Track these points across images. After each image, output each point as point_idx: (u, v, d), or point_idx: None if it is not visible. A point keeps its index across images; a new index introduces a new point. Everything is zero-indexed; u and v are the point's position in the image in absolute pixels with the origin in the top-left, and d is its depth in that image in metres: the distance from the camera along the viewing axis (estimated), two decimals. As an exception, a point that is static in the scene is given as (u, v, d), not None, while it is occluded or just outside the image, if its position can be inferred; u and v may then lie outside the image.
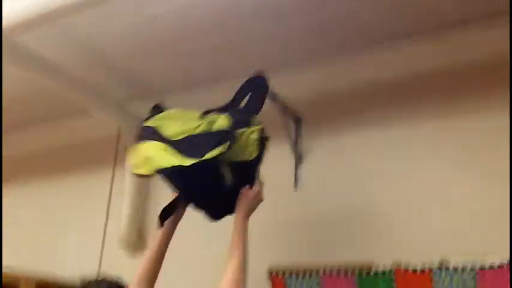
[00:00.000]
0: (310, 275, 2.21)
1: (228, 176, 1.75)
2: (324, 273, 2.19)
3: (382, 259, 2.14)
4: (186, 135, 1.78)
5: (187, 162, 1.67)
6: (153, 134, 1.82)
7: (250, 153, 1.79)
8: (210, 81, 2.96)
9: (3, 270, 1.62)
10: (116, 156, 3.19)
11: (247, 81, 2.02)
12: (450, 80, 2.34)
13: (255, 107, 1.89)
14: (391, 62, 2.50)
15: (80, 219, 3.16)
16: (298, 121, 2.62)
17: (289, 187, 2.45)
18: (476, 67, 2.29)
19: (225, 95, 2.87)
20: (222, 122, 1.79)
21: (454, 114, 2.29)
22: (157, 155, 1.74)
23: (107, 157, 3.21)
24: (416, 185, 2.26)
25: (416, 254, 2.11)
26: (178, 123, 1.85)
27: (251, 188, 1.84)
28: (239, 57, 2.72)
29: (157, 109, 2.01)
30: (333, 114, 2.58)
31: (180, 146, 1.75)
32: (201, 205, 1.90)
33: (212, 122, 1.80)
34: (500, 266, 1.90)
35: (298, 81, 2.71)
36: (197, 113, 1.88)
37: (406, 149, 2.33)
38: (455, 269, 1.97)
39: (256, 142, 1.80)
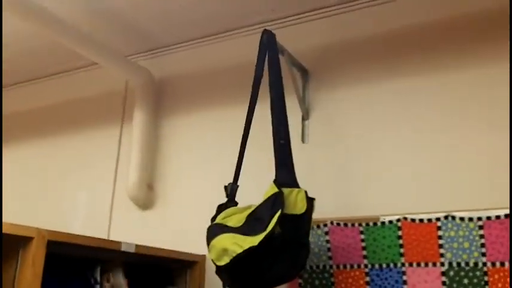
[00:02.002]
0: (318, 226, 2.24)
1: (277, 229, 1.82)
2: (332, 223, 2.23)
3: (389, 213, 2.16)
4: (247, 218, 1.94)
5: (256, 240, 1.80)
6: (221, 229, 1.95)
7: (300, 209, 1.91)
8: (215, 34, 2.94)
9: (15, 224, 1.65)
10: (123, 111, 3.19)
11: (260, 47, 2.21)
12: (455, 31, 2.31)
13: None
14: (397, 12, 2.46)
15: (88, 175, 3.17)
16: (305, 74, 2.62)
17: (296, 140, 2.47)
18: (479, 17, 2.26)
19: (226, 47, 2.89)
20: (270, 190, 1.93)
21: (464, 64, 2.27)
22: (230, 244, 1.85)
23: (115, 111, 3.22)
24: (423, 137, 2.25)
25: (423, 208, 2.12)
26: (238, 214, 2.00)
27: None
28: (244, 9, 2.70)
29: (220, 209, 2.11)
30: (341, 67, 2.55)
31: (245, 229, 1.90)
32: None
33: (264, 195, 1.95)
34: (507, 216, 1.92)
35: (305, 33, 2.68)
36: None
37: (413, 102, 2.32)
38: (462, 219, 1.99)
39: (304, 199, 1.93)
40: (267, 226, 1.82)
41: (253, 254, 1.81)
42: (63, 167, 3.31)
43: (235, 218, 1.99)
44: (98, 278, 2.08)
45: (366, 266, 2.15)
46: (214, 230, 1.98)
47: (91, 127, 3.29)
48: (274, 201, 1.87)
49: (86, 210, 3.11)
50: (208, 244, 1.97)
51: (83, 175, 3.20)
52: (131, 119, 2.99)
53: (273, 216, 1.83)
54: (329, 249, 2.22)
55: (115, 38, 3.02)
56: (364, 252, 2.16)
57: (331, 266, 2.21)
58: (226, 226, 1.96)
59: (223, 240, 1.89)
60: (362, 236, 2.18)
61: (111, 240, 2.13)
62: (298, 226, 1.92)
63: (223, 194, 2.14)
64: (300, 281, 2.26)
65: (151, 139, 2.96)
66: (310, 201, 1.97)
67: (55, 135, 3.43)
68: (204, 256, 2.48)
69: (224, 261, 1.87)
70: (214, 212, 2.09)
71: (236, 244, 1.84)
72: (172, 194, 2.86)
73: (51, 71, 3.52)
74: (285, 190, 1.91)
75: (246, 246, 1.82)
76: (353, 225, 2.20)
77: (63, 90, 3.50)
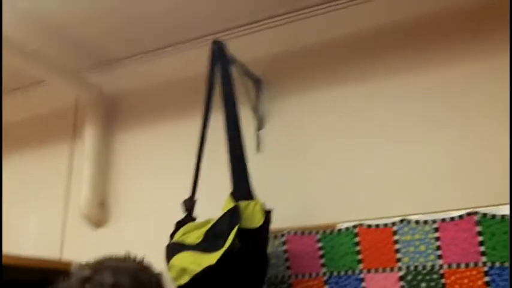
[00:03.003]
0: (275, 236, 2.22)
1: (236, 243, 1.80)
2: (289, 232, 2.21)
3: (345, 220, 2.16)
4: (205, 233, 1.93)
5: (214, 259, 1.78)
6: (180, 247, 1.93)
7: (258, 221, 1.91)
8: (165, 46, 2.91)
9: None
10: (74, 128, 3.12)
11: (211, 58, 2.21)
12: (418, 32, 2.34)
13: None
14: (350, 16, 2.48)
15: (39, 195, 3.09)
16: (258, 83, 2.61)
17: (252, 150, 2.45)
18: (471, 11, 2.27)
19: (178, 59, 2.86)
20: (227, 204, 1.93)
21: (415, 67, 2.29)
22: (189, 263, 1.84)
23: (65, 129, 3.14)
24: (376, 142, 2.26)
25: (379, 213, 2.12)
26: (197, 230, 1.98)
27: None
28: (194, 20, 2.68)
29: (178, 225, 2.08)
30: (294, 75, 2.55)
31: (204, 246, 1.89)
32: None
33: (222, 210, 1.94)
34: (461, 217, 1.93)
35: (256, 42, 2.67)
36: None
37: (368, 108, 2.33)
38: (417, 222, 2.00)
39: (261, 212, 1.93)
40: (225, 242, 1.80)
41: (213, 271, 1.78)
42: (13, 188, 3.20)
43: (194, 235, 1.96)
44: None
45: (324, 274, 2.13)
46: (173, 249, 1.95)
47: (41, 146, 3.21)
48: (232, 216, 1.86)
49: (38, 232, 3.02)
50: (167, 263, 1.93)
51: (34, 195, 3.11)
52: (83, 135, 2.93)
53: (231, 232, 1.81)
54: (287, 259, 2.20)
55: (63, 53, 2.95)
56: (322, 261, 2.14)
57: (289, 276, 2.19)
58: (185, 244, 1.94)
59: (182, 259, 1.86)
60: (319, 244, 2.16)
61: (61, 262, 2.06)
62: (257, 239, 1.92)
63: (179, 208, 2.10)
64: (260, 293, 2.23)
65: (103, 155, 2.89)
66: (267, 213, 1.96)
67: (4, 155, 3.32)
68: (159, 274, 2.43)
69: (184, 280, 1.84)
70: (170, 228, 2.06)
71: (195, 263, 1.82)
72: (127, 211, 2.80)
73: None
74: (242, 203, 1.90)
75: (206, 264, 1.79)
76: (310, 233, 2.19)
77: (11, 109, 3.39)
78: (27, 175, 3.18)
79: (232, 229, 1.81)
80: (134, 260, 1.58)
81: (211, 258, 1.80)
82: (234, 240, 1.79)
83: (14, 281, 1.92)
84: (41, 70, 2.72)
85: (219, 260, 1.77)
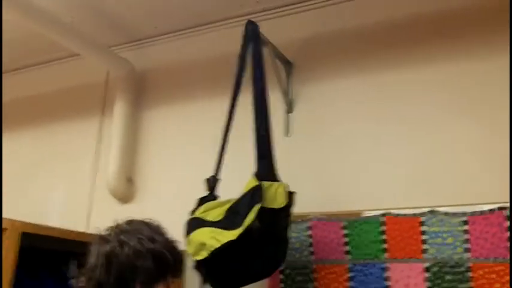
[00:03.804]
0: (300, 220, 2.21)
1: (256, 223, 1.79)
2: (314, 218, 2.19)
3: (372, 208, 2.14)
4: (226, 211, 1.91)
5: (235, 234, 1.77)
6: (199, 223, 1.92)
7: (280, 202, 1.88)
8: (198, 25, 2.89)
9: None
10: (104, 102, 3.14)
11: (244, 38, 2.16)
12: (447, 22, 2.29)
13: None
14: (383, 3, 2.44)
15: (68, 167, 3.11)
16: (289, 67, 2.59)
17: (280, 133, 2.44)
18: (474, 8, 2.24)
19: (209, 39, 2.85)
20: (250, 183, 1.90)
21: (447, 57, 2.25)
22: (208, 239, 1.83)
23: (95, 103, 3.16)
24: (408, 132, 2.23)
25: (407, 203, 2.09)
26: (218, 208, 1.97)
27: None
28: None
29: (200, 202, 2.07)
30: (325, 59, 2.52)
31: (224, 223, 1.87)
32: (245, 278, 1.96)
33: (244, 189, 1.92)
34: (491, 211, 1.90)
35: (289, 26, 2.65)
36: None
37: (400, 94, 2.29)
38: (446, 214, 1.97)
39: (284, 193, 1.90)
40: (245, 220, 1.79)
41: (231, 248, 1.78)
42: (42, 159, 3.24)
43: (215, 212, 1.95)
44: (74, 272, 2.03)
45: (348, 261, 2.12)
46: (193, 224, 1.95)
47: (71, 118, 3.23)
48: (253, 195, 1.84)
49: (65, 203, 3.05)
50: (186, 238, 1.93)
51: (62, 167, 3.14)
52: (112, 110, 2.94)
53: (251, 210, 1.80)
54: (311, 245, 2.19)
55: (97, 28, 2.96)
56: (347, 248, 2.13)
57: (313, 262, 2.18)
58: (205, 220, 1.93)
59: (201, 235, 1.86)
60: (345, 231, 2.15)
61: (88, 233, 2.08)
62: (277, 220, 1.89)
63: (204, 187, 2.10)
64: (281, 276, 2.22)
65: (131, 131, 2.90)
66: (290, 195, 1.94)
67: (34, 127, 3.37)
68: (183, 251, 2.44)
69: (202, 255, 1.83)
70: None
71: (214, 238, 1.81)
72: (153, 187, 2.81)
73: (30, 62, 3.44)
74: (265, 183, 1.87)
75: (224, 241, 1.78)
76: (335, 220, 2.17)
77: (43, 81, 3.43)
78: (57, 146, 3.21)
79: (252, 208, 1.80)
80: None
81: (230, 235, 1.79)
82: (254, 218, 1.78)
83: (40, 250, 1.95)
84: (74, 43, 2.72)
85: (238, 237, 1.77)
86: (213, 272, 1.89)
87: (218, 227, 1.86)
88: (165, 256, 1.57)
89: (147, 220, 1.67)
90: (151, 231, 1.61)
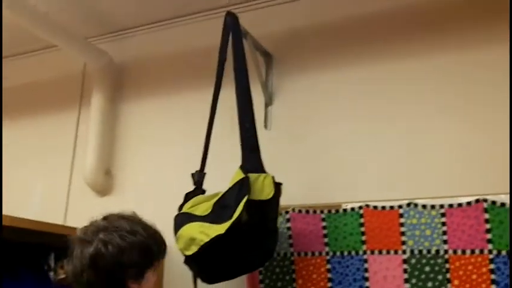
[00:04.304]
0: (280, 213, 2.21)
1: (244, 215, 1.79)
2: (293, 210, 2.20)
3: (351, 201, 2.15)
4: (213, 205, 1.91)
5: (224, 227, 1.76)
6: (188, 218, 1.91)
7: (268, 194, 1.89)
8: (177, 17, 2.88)
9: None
10: (81, 95, 3.10)
11: (223, 29, 2.16)
12: (433, 15, 2.29)
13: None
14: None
15: (45, 161, 3.08)
16: (268, 59, 2.58)
17: (260, 126, 2.43)
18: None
19: (189, 30, 2.83)
20: (236, 175, 1.91)
21: (428, 52, 2.26)
22: (197, 233, 1.82)
23: (73, 95, 3.12)
24: (386, 125, 2.24)
25: (385, 196, 2.10)
26: (206, 202, 1.96)
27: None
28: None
29: (187, 197, 2.06)
30: (305, 52, 2.52)
31: (212, 217, 1.88)
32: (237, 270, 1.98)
33: (231, 182, 1.92)
34: (469, 204, 1.92)
35: (270, 17, 2.64)
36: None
37: (380, 88, 2.30)
38: (424, 206, 1.99)
39: (271, 184, 1.91)
40: (233, 213, 1.78)
41: (221, 242, 1.78)
42: (19, 152, 3.19)
43: (203, 207, 1.95)
44: (52, 265, 2.01)
45: (327, 253, 2.13)
46: (181, 219, 1.94)
47: (48, 111, 3.19)
48: (241, 187, 1.84)
49: (42, 196, 3.02)
50: (175, 233, 1.92)
51: (39, 160, 3.11)
52: (89, 103, 2.91)
53: (239, 203, 1.79)
54: (290, 237, 2.20)
55: (74, 19, 2.92)
56: (326, 240, 2.14)
57: (292, 254, 2.19)
58: (193, 215, 1.93)
59: (190, 229, 1.85)
60: (323, 224, 2.16)
61: (66, 226, 2.06)
62: (265, 212, 1.90)
63: (184, 180, 2.10)
64: (261, 268, 2.22)
65: (109, 124, 2.88)
66: (277, 186, 1.94)
67: (10, 120, 3.31)
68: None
69: (192, 250, 1.83)
70: (173, 199, 2.05)
71: (203, 233, 1.80)
72: (131, 180, 2.79)
73: (5, 53, 3.38)
74: (252, 175, 1.88)
75: (213, 235, 1.78)
76: (315, 212, 2.18)
77: (19, 73, 3.37)
78: (34, 140, 3.18)
79: (241, 200, 1.80)
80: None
81: (219, 229, 1.79)
82: (242, 211, 1.78)
83: (18, 243, 1.93)
84: (50, 34, 2.68)
85: (227, 231, 1.77)
86: (204, 266, 1.89)
87: (207, 222, 1.86)
88: (149, 245, 1.58)
89: (122, 212, 1.66)
90: (129, 223, 1.61)
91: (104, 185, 2.81)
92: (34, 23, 2.58)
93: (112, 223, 1.57)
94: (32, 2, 2.56)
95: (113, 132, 2.90)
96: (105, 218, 1.62)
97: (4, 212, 1.74)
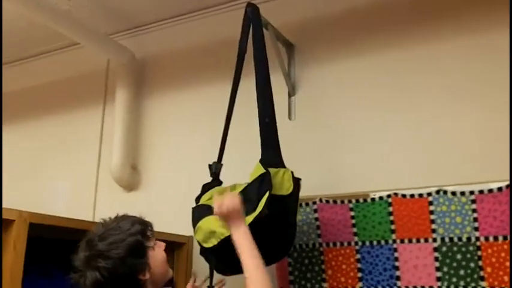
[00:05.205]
0: (307, 204, 2.21)
1: (264, 210, 1.78)
2: (321, 200, 2.19)
3: (379, 189, 2.13)
4: None
5: (247, 221, 1.73)
6: (207, 210, 1.89)
7: (287, 189, 1.89)
8: (197, 10, 2.88)
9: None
10: (105, 91, 3.13)
11: (243, 20, 2.14)
12: (448, 3, 2.26)
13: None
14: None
15: (71, 156, 3.12)
16: (290, 49, 2.56)
17: (283, 117, 2.42)
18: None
19: (208, 23, 2.82)
20: (257, 170, 1.89)
21: (453, 37, 2.22)
22: (217, 227, 1.81)
23: (97, 92, 3.15)
24: (413, 112, 2.21)
25: (414, 183, 2.08)
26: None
27: None
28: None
29: (204, 188, 2.07)
30: (327, 40, 2.50)
31: None
32: None
33: (251, 176, 1.91)
34: (500, 189, 1.89)
35: (290, 7, 2.62)
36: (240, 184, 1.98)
37: (403, 76, 2.27)
38: (454, 193, 1.96)
39: (291, 180, 1.91)
40: (255, 208, 1.78)
41: None
42: (46, 149, 3.24)
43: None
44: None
45: (356, 243, 2.12)
46: (201, 211, 1.94)
47: (73, 108, 3.23)
48: (262, 182, 1.83)
49: (70, 192, 3.06)
50: (194, 225, 1.93)
51: (66, 156, 3.14)
52: (114, 99, 2.93)
53: (261, 198, 1.79)
54: (318, 227, 2.19)
55: (95, 16, 2.94)
56: (354, 230, 2.13)
57: (320, 244, 2.18)
58: (212, 207, 1.92)
59: (210, 222, 1.85)
60: (352, 213, 2.14)
61: (95, 222, 2.07)
62: (285, 206, 1.89)
63: (208, 173, 2.09)
64: (289, 260, 2.22)
65: (134, 119, 2.90)
66: (296, 181, 1.93)
67: (37, 117, 3.36)
68: (191, 237, 2.44)
69: (212, 243, 1.84)
70: (199, 193, 2.05)
71: (224, 227, 1.80)
72: (157, 175, 2.81)
73: (31, 53, 3.43)
74: (272, 170, 1.87)
75: None
76: (342, 202, 2.17)
77: (44, 72, 3.42)
78: (60, 137, 3.21)
79: (262, 195, 1.79)
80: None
81: None
82: (264, 206, 1.77)
83: (48, 240, 1.95)
84: (73, 32, 2.69)
85: (249, 226, 1.76)
86: (221, 258, 1.88)
87: None
88: (132, 243, 1.54)
89: (96, 229, 1.61)
90: (106, 238, 1.55)
91: (130, 180, 2.83)
92: (56, 21, 2.59)
93: (94, 248, 1.53)
94: (53, 0, 2.58)
95: (138, 127, 2.92)
96: (87, 244, 1.56)
97: (32, 209, 1.76)
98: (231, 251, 1.80)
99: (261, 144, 1.98)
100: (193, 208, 2.00)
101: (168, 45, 3.00)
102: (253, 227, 1.75)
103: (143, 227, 1.61)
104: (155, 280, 1.59)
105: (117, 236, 1.54)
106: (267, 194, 1.79)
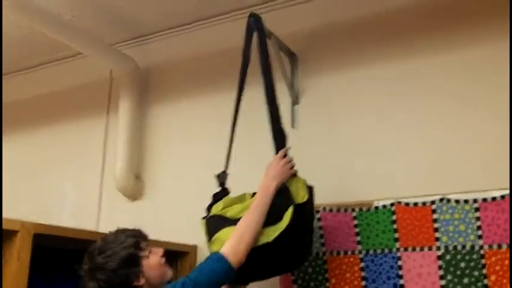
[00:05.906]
0: (311, 213, 2.21)
1: (290, 224, 1.81)
2: (324, 209, 2.19)
3: (382, 198, 2.13)
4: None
5: (270, 237, 1.80)
6: (223, 221, 1.91)
7: (302, 197, 1.90)
8: (200, 19, 2.89)
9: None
10: (109, 100, 3.14)
11: (246, 30, 2.17)
12: (458, 8, 2.27)
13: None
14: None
15: (75, 166, 3.12)
16: (293, 58, 2.57)
17: (286, 126, 2.42)
18: None
19: (211, 33, 2.84)
20: None
21: (456, 46, 2.23)
22: None
23: (100, 101, 3.16)
24: (416, 121, 2.22)
25: (417, 191, 2.09)
26: (237, 204, 1.97)
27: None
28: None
29: (215, 198, 2.07)
30: (330, 50, 2.51)
31: None
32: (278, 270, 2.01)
33: None
34: (503, 197, 1.89)
35: (293, 17, 2.63)
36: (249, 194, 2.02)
37: (405, 85, 2.28)
38: (457, 201, 1.96)
39: (305, 187, 1.92)
40: (276, 220, 1.80)
41: (265, 247, 1.79)
42: (49, 158, 3.25)
43: (235, 209, 1.95)
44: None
45: (360, 251, 2.12)
46: (216, 223, 1.94)
47: (76, 117, 3.24)
48: (279, 194, 1.84)
49: (74, 202, 3.06)
50: (210, 236, 1.92)
51: (69, 166, 3.15)
52: (117, 108, 2.94)
53: (284, 211, 1.81)
54: (322, 236, 2.19)
55: (99, 26, 2.96)
56: (358, 238, 2.13)
57: (324, 253, 2.18)
58: (227, 218, 1.92)
59: (229, 235, 1.83)
60: (355, 222, 2.14)
61: (99, 232, 2.08)
62: (303, 214, 1.89)
63: (214, 182, 2.10)
64: (293, 268, 2.22)
65: (137, 128, 2.90)
66: (310, 188, 1.94)
67: (40, 127, 3.37)
68: (195, 247, 2.44)
69: None
70: (203, 201, 2.05)
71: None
72: (161, 184, 2.81)
73: (34, 62, 3.44)
74: (286, 181, 1.88)
75: (260, 242, 1.78)
76: (346, 210, 2.17)
77: (47, 82, 3.43)
78: (63, 146, 3.22)
79: (284, 208, 1.81)
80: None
81: (264, 237, 1.79)
82: (290, 220, 1.79)
83: (51, 249, 1.95)
84: (76, 42, 2.71)
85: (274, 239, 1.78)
86: (242, 267, 1.88)
87: None
88: (125, 256, 1.64)
89: (95, 245, 1.69)
90: (103, 253, 1.65)
91: (134, 189, 2.83)
92: (59, 31, 2.61)
93: (93, 261, 1.64)
94: (56, 10, 2.60)
95: (141, 136, 2.93)
96: (88, 256, 1.67)
97: (36, 219, 1.77)
98: (253, 261, 1.80)
99: (275, 152, 1.98)
100: (206, 218, 2.00)
101: (171, 55, 3.02)
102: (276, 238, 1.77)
103: (137, 239, 1.70)
104: (152, 283, 1.68)
105: (112, 250, 1.65)
106: (291, 209, 1.81)
